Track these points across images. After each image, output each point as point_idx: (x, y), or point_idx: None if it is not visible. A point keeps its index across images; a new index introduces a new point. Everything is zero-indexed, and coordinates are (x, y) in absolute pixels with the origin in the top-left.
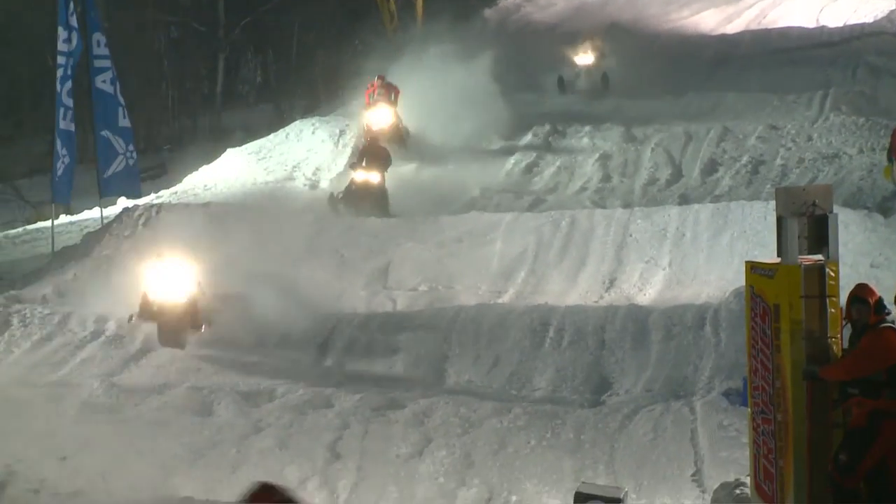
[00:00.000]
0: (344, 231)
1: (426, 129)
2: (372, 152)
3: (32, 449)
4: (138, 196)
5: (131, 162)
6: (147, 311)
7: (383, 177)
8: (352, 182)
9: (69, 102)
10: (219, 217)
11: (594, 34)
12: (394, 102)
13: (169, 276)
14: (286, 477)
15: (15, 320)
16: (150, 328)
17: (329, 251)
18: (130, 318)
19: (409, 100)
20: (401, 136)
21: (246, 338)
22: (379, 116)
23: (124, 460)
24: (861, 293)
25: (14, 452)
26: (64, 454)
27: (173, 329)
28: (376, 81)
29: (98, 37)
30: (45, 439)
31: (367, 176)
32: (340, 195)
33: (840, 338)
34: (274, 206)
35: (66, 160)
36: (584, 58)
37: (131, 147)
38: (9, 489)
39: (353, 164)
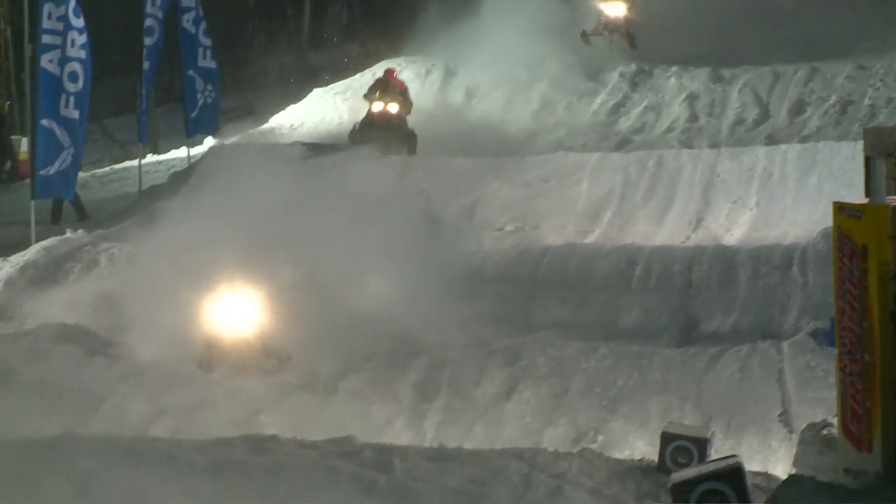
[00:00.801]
0: (430, 171)
1: (512, 71)
2: (388, 86)
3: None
4: (215, 132)
5: (210, 100)
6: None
7: (403, 108)
8: (369, 113)
9: (152, 43)
10: (303, 156)
11: None
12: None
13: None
14: (373, 416)
15: (103, 259)
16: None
17: (415, 190)
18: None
19: (495, 40)
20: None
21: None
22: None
23: (213, 398)
24: None
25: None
26: (151, 394)
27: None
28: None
29: None
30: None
31: (386, 106)
32: (358, 126)
33: None
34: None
35: (145, 101)
36: (613, 7)
37: (210, 87)
38: (127, 407)
39: (366, 95)
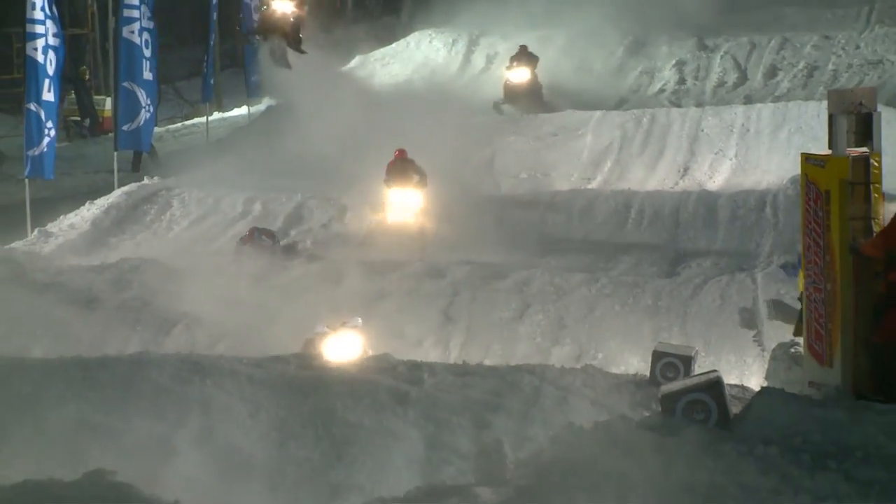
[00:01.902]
0: (457, 126)
1: (526, 40)
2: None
3: (206, 304)
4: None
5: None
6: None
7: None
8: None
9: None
10: (347, 113)
11: None
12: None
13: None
14: (406, 336)
15: (175, 202)
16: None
17: (444, 144)
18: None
19: (512, 13)
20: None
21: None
22: (518, 74)
23: (272, 317)
24: None
25: (193, 304)
26: (212, 311)
27: None
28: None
29: None
30: (206, 298)
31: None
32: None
33: (882, 219)
34: (396, 104)
35: (210, 67)
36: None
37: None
38: (194, 330)
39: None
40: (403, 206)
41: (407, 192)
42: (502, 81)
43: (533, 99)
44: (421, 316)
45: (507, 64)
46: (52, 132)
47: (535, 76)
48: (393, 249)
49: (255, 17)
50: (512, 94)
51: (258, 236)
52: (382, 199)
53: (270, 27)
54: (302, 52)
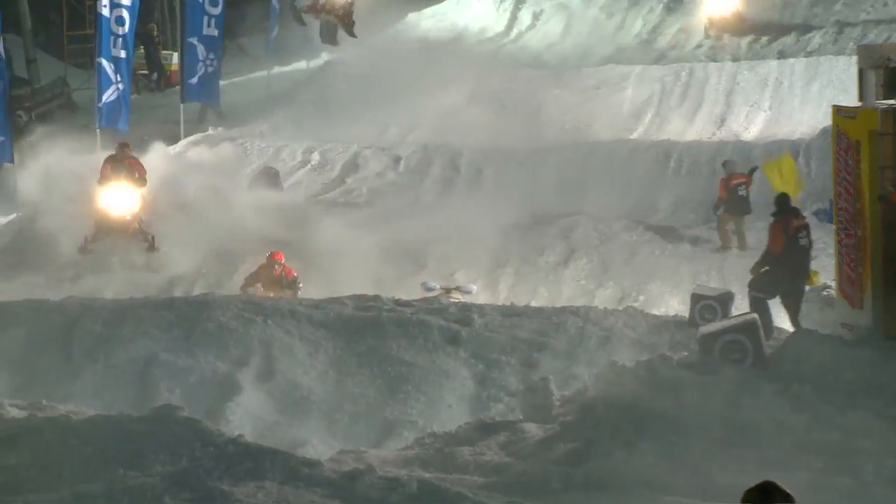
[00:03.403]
0: (504, 80)
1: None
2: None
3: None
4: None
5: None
6: None
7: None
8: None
9: None
10: (401, 67)
11: None
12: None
13: None
14: (457, 279)
15: (238, 151)
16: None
17: (491, 96)
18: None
19: None
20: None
21: None
22: None
23: (348, 258)
24: None
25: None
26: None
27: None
28: None
29: None
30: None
31: None
32: None
33: None
34: (447, 60)
35: (276, 27)
36: None
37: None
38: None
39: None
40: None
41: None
42: (546, 35)
43: None
44: (471, 260)
45: None
46: (123, 86)
47: None
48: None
49: None
50: None
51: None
52: None
53: (325, 9)
54: (354, 35)
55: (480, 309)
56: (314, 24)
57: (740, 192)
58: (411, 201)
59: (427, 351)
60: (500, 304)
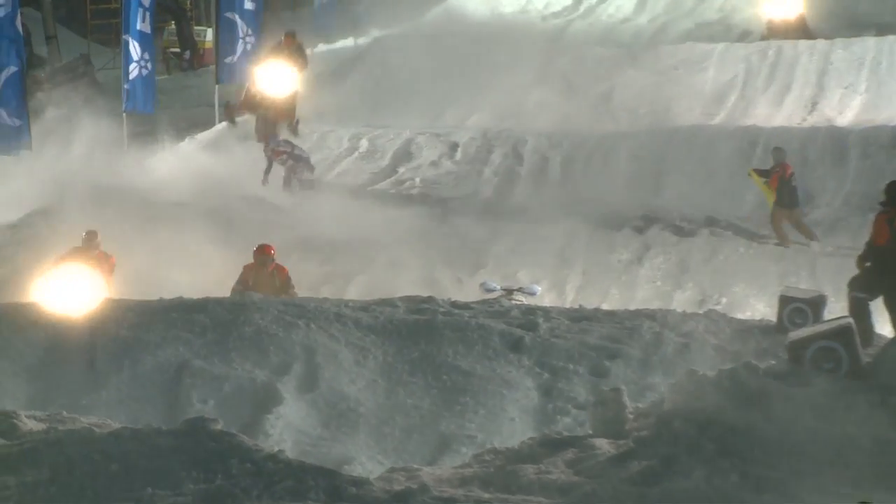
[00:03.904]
0: (572, 59)
1: None
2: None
3: None
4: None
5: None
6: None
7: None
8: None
9: None
10: (460, 45)
11: None
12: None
13: None
14: (519, 279)
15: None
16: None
17: (558, 77)
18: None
19: None
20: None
21: None
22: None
23: (400, 256)
24: None
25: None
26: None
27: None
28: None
29: None
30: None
31: None
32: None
33: None
34: (509, 37)
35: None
36: None
37: None
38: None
39: None
40: None
41: None
42: (619, 8)
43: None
44: (535, 258)
45: None
46: (150, 64)
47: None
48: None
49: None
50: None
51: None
52: None
53: (263, 105)
54: (297, 134)
55: (545, 312)
56: None
57: (793, 183)
58: (469, 193)
59: (487, 358)
60: (567, 306)
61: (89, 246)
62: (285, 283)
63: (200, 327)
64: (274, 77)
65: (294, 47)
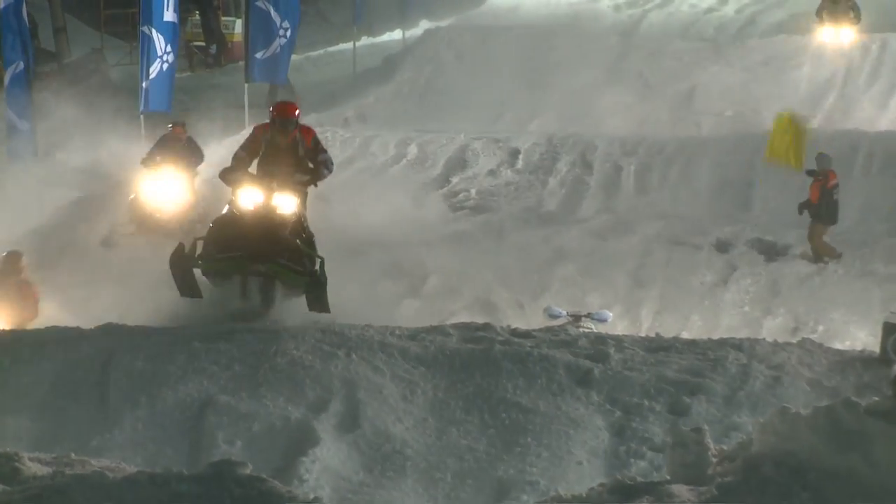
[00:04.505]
0: (648, 54)
1: None
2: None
3: None
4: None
5: None
6: None
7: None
8: None
9: None
10: (521, 39)
11: None
12: None
13: None
14: (588, 304)
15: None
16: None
17: (632, 75)
18: None
19: None
20: None
21: None
22: None
23: (453, 277)
24: None
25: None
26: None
27: None
28: None
29: None
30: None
31: None
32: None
33: None
34: (578, 30)
35: None
36: None
37: None
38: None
39: None
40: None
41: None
42: None
43: None
44: (606, 280)
45: None
46: (171, 58)
47: None
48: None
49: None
50: None
51: None
52: None
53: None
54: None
55: (618, 341)
56: None
57: (835, 196)
58: (531, 206)
59: (551, 394)
60: (642, 335)
61: (10, 270)
62: (313, 148)
63: (227, 358)
64: (162, 185)
65: (185, 141)
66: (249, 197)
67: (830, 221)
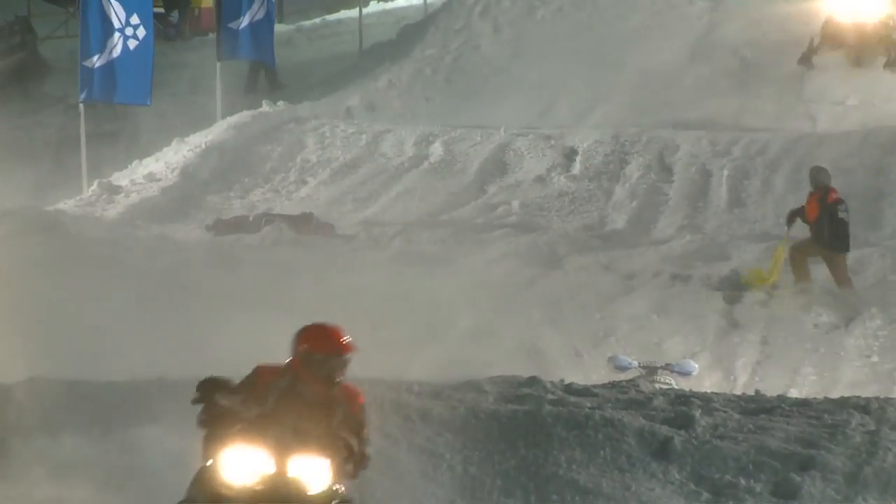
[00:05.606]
0: (746, 26)
1: None
2: None
3: None
4: None
5: None
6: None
7: None
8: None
9: None
10: (579, 4)
11: None
12: None
13: None
14: (666, 352)
15: (310, 141)
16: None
17: (726, 51)
18: None
19: None
20: None
21: None
22: None
23: (489, 316)
24: None
25: None
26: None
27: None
28: None
29: None
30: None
31: None
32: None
33: None
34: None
35: None
36: None
37: None
38: None
39: None
40: None
41: None
42: None
43: None
44: (690, 320)
45: None
46: (143, 32)
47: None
48: None
49: None
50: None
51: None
52: None
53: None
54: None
55: (705, 401)
56: None
57: (840, 214)
58: (592, 223)
59: (618, 469)
60: (737, 392)
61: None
62: (352, 419)
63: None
64: None
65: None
66: (245, 463)
67: (837, 247)
